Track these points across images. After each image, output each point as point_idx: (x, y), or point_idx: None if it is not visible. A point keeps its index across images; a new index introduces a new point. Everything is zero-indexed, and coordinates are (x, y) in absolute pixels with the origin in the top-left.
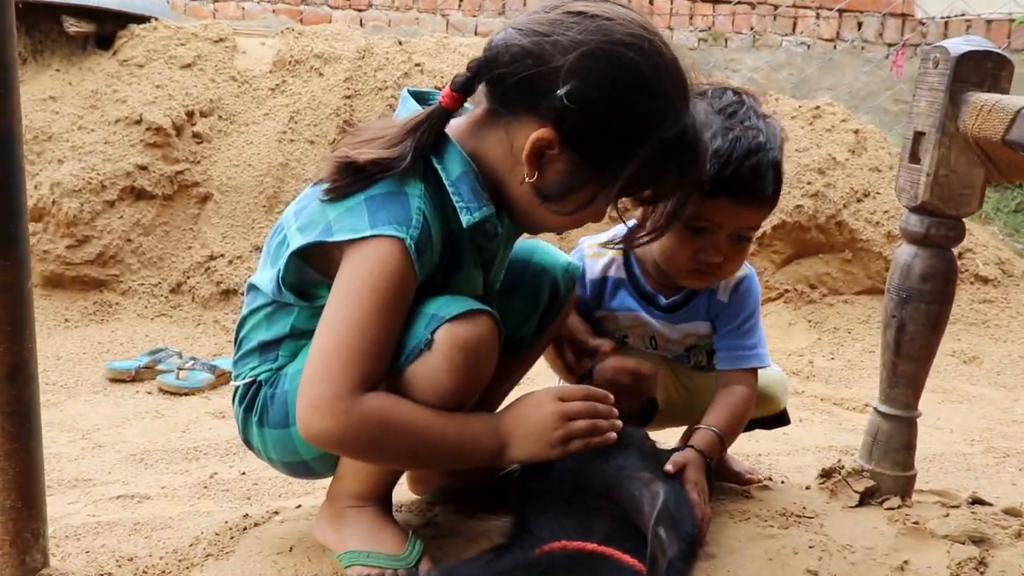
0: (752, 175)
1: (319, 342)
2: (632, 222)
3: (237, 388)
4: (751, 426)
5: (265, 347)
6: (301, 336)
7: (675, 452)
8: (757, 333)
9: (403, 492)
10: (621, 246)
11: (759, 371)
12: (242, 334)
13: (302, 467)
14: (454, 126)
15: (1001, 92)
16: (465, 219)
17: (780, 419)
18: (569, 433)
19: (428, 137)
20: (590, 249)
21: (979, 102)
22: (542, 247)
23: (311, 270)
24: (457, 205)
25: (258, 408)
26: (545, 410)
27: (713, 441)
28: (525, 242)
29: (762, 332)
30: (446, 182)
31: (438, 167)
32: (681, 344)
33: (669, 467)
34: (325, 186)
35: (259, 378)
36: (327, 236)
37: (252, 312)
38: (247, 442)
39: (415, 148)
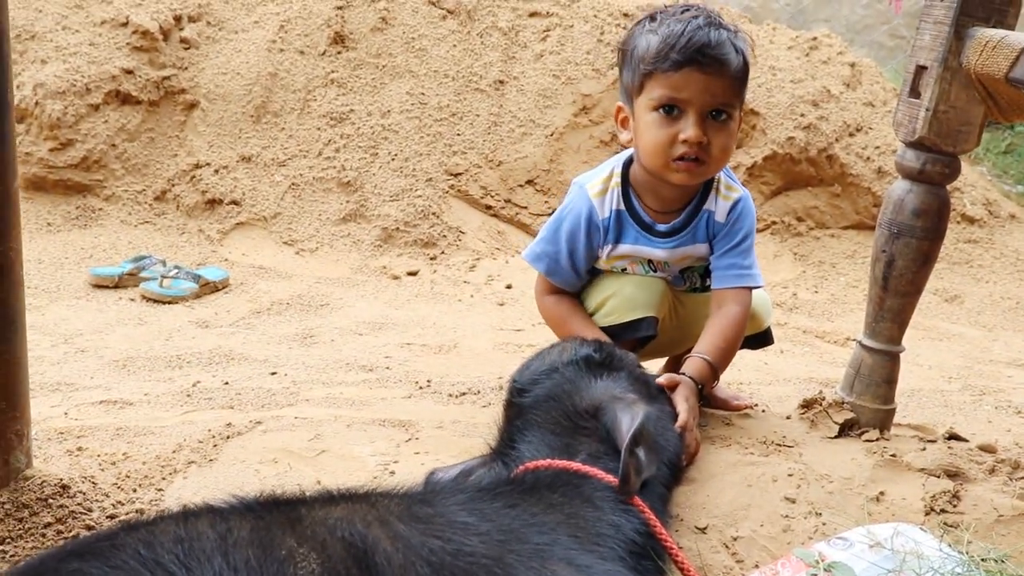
0: (709, 42)
1: None
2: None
3: None
4: None
5: None
6: None
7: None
8: (753, 254)
9: (385, 409)
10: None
11: None
12: None
13: None
14: None
15: (1007, 28)
16: None
17: (764, 338)
18: None
19: None
20: (593, 190)
21: (984, 38)
22: None
23: None
24: None
25: None
26: None
27: (705, 369)
28: None
29: (755, 255)
30: None
31: None
32: (678, 264)
33: (662, 380)
34: None
35: None
36: None
37: None
38: None
39: None
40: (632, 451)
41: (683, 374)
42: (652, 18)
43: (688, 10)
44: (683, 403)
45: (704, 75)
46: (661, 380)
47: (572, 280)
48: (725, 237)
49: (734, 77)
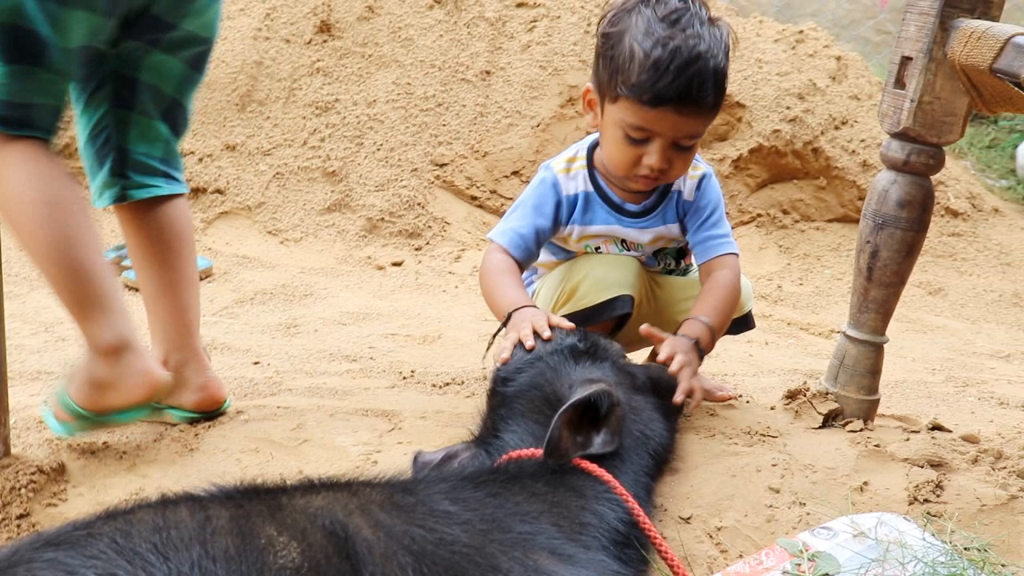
0: (691, 85)
1: None
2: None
3: None
4: None
5: None
6: None
7: (652, 364)
8: (726, 225)
9: (368, 399)
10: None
11: None
12: None
13: None
14: None
15: (991, 20)
16: None
17: (745, 322)
18: None
19: None
20: (558, 167)
21: (969, 28)
22: None
23: None
24: None
25: None
26: None
27: (701, 328)
28: None
29: (729, 226)
30: None
31: None
32: (652, 245)
33: (662, 353)
34: None
35: None
36: None
37: None
38: None
39: None
40: (570, 418)
41: (678, 334)
42: (639, 11)
43: (675, 17)
44: (682, 367)
45: (679, 116)
46: (660, 356)
47: (528, 255)
48: (695, 214)
49: (708, 113)
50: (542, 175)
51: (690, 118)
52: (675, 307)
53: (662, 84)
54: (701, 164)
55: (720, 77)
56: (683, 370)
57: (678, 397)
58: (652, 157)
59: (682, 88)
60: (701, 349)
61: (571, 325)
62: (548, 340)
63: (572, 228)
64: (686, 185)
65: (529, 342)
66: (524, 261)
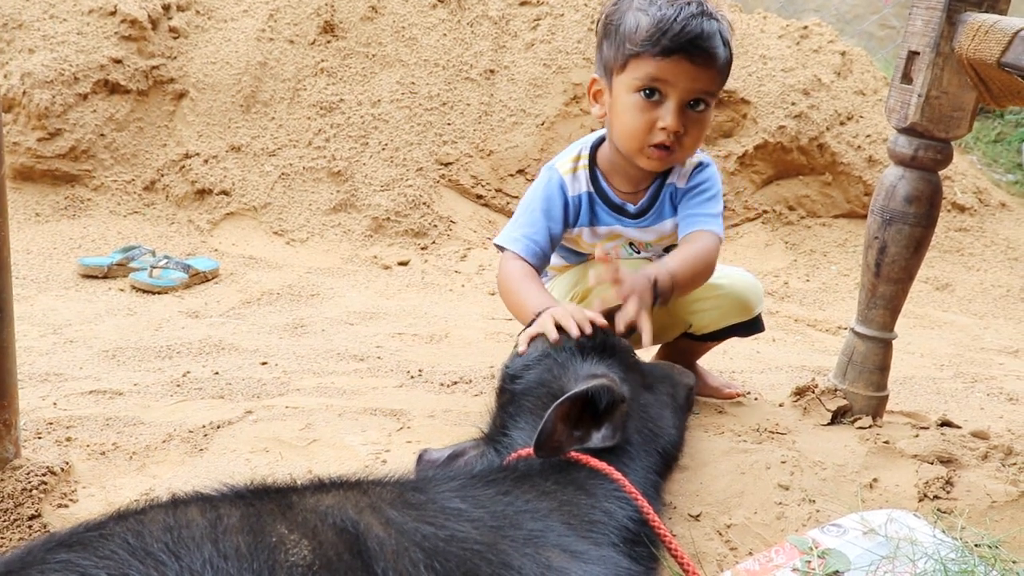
0: (701, 33)
1: None
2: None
3: None
4: (728, 333)
5: None
6: None
7: (661, 363)
8: (718, 207)
9: (377, 399)
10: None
11: (734, 277)
12: None
13: None
14: None
15: (999, 13)
16: None
17: (755, 325)
18: None
19: None
20: (563, 168)
21: (976, 22)
22: None
23: None
24: None
25: None
26: None
27: (662, 270)
28: None
29: (721, 210)
30: None
31: None
32: (659, 244)
33: (622, 289)
34: None
35: None
36: None
37: None
38: None
39: None
40: (566, 412)
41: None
42: None
43: None
44: (631, 294)
45: (692, 65)
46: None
47: (543, 261)
48: (688, 195)
49: (719, 69)
50: (548, 176)
51: (703, 70)
52: (684, 306)
53: (672, 33)
54: (700, 156)
55: (726, 36)
56: (630, 298)
57: (619, 327)
58: (667, 118)
59: (692, 35)
60: (657, 289)
61: (604, 322)
62: (591, 335)
63: (581, 230)
64: (681, 173)
65: (574, 331)
66: (539, 267)
